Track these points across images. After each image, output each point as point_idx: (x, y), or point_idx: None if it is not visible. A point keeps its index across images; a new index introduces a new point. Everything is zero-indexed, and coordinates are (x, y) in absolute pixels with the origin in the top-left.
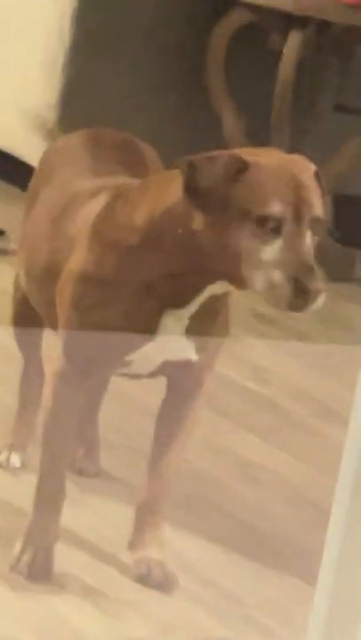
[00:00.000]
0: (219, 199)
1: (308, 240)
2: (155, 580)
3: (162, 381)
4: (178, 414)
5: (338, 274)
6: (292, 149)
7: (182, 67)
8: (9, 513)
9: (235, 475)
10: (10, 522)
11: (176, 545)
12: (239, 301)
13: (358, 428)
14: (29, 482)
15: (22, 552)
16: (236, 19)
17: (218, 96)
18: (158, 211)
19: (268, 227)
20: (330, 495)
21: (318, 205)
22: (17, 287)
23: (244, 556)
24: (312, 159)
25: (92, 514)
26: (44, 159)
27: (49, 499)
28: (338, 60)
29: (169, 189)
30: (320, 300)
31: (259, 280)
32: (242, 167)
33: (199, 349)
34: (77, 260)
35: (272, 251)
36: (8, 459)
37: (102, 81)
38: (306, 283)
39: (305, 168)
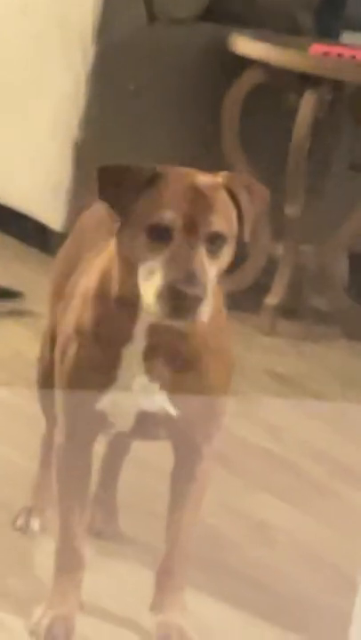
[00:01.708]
0: (126, 208)
1: (200, 254)
2: None
3: None
4: (185, 477)
5: (353, 332)
6: (308, 208)
7: (197, 129)
8: (28, 578)
9: (251, 536)
10: (29, 587)
11: (194, 608)
12: (252, 359)
13: None
14: (49, 546)
15: (42, 617)
16: (250, 79)
17: (233, 157)
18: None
19: (158, 236)
20: (348, 557)
21: (217, 221)
22: (44, 349)
23: (264, 619)
24: (328, 218)
25: (112, 578)
26: (81, 223)
27: (67, 564)
28: (353, 119)
29: None
30: (201, 309)
31: (147, 292)
32: (152, 177)
33: (177, 405)
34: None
35: (160, 261)
36: (27, 523)
37: (115, 142)
38: (184, 289)
39: (214, 184)
